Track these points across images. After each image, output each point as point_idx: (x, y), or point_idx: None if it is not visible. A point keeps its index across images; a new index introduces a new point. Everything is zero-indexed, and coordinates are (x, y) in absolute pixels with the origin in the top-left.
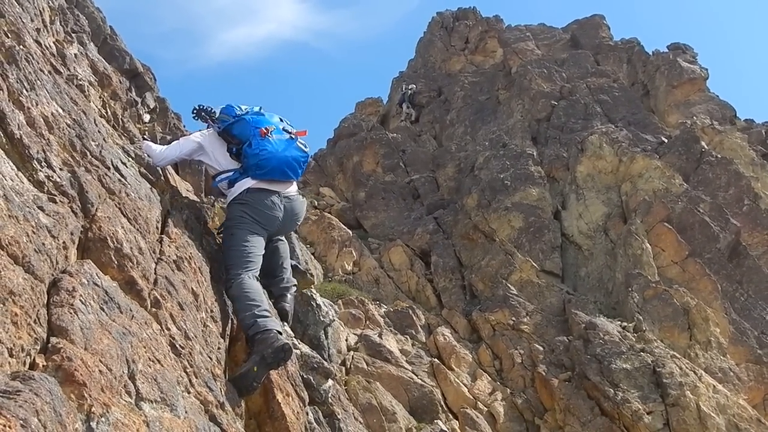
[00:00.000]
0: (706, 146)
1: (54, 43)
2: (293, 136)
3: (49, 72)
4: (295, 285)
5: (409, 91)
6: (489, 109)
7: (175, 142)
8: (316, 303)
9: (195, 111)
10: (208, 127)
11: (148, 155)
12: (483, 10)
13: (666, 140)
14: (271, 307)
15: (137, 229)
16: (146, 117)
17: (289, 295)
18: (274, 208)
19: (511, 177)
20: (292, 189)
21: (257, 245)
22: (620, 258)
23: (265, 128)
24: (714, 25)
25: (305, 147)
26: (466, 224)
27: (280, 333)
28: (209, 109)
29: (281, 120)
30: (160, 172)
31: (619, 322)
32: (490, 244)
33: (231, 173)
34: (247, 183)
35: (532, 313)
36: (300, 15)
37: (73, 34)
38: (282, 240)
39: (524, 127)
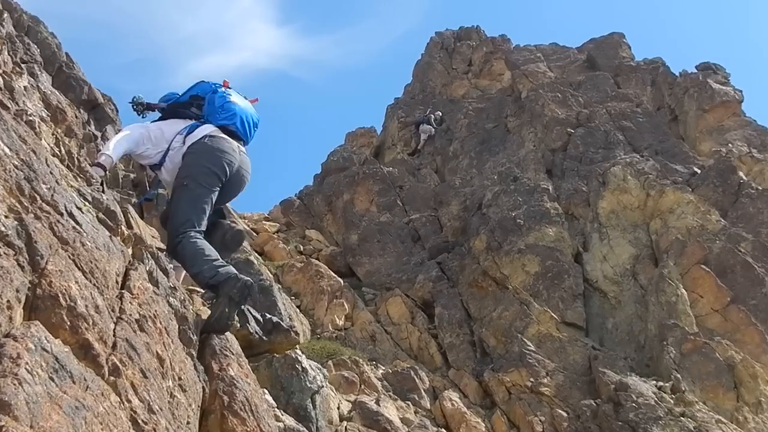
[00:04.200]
0: (744, 177)
1: (1, 75)
2: (246, 98)
3: None
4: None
5: (434, 116)
6: (497, 138)
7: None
8: (302, 366)
9: (134, 105)
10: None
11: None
12: (487, 29)
13: (699, 171)
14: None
15: (94, 284)
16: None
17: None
18: (233, 153)
19: (524, 215)
20: (244, 149)
21: (209, 202)
22: (652, 306)
23: (226, 81)
24: (747, 43)
25: (256, 113)
26: (474, 270)
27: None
28: (145, 102)
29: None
30: (121, 217)
31: (654, 382)
32: (503, 292)
33: (189, 126)
34: (209, 128)
35: (553, 373)
36: (276, 42)
37: (22, 65)
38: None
39: (537, 159)
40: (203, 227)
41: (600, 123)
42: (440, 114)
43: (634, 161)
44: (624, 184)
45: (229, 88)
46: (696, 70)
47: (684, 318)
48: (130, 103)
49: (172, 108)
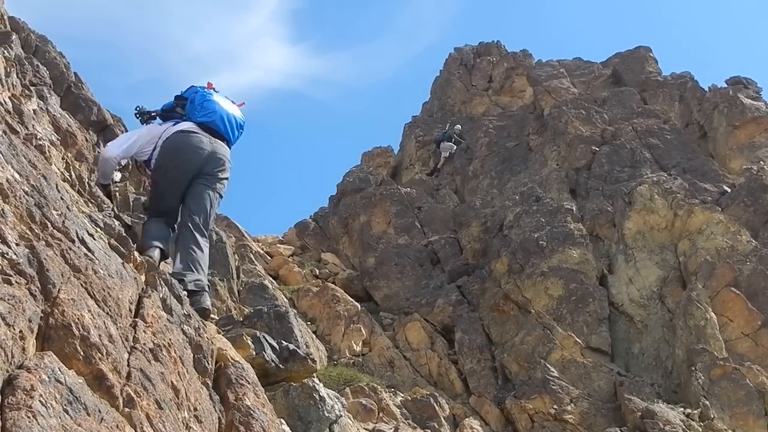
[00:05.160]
0: None
1: (10, 98)
2: (234, 103)
3: (4, 132)
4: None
5: (456, 131)
6: (518, 157)
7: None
8: (320, 395)
9: (137, 114)
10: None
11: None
12: (508, 44)
13: (729, 190)
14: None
15: (107, 313)
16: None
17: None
18: (200, 145)
19: (547, 236)
20: (223, 144)
21: (174, 193)
22: (680, 331)
23: (210, 83)
24: None
25: (242, 115)
26: (495, 294)
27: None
28: (147, 111)
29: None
30: (133, 242)
31: (682, 409)
32: (525, 316)
33: (173, 122)
34: (186, 125)
35: (577, 400)
36: (290, 60)
37: (31, 87)
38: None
39: (561, 178)
40: (168, 208)
41: (626, 140)
42: (459, 127)
43: (661, 180)
44: (651, 203)
45: (214, 90)
46: (726, 85)
47: (713, 342)
48: (135, 113)
49: (165, 113)
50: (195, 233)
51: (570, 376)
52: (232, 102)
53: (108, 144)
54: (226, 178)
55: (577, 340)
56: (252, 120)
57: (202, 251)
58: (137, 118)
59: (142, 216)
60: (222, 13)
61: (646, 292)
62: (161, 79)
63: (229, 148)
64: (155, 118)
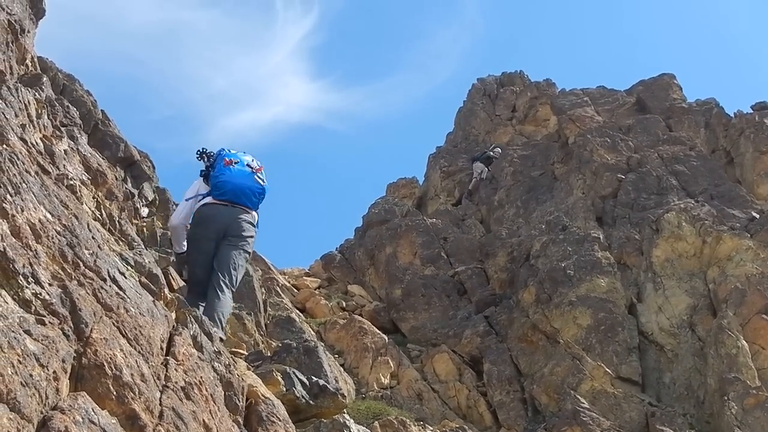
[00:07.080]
0: None
1: (41, 139)
2: (253, 171)
3: (36, 173)
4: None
5: (495, 153)
6: (544, 186)
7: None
8: (351, 431)
9: (198, 153)
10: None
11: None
12: (531, 73)
13: (757, 216)
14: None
15: (139, 352)
16: (144, 211)
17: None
18: (222, 215)
19: (575, 265)
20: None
21: (202, 259)
22: (711, 359)
23: (230, 159)
24: None
25: (263, 181)
26: (523, 324)
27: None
28: (210, 152)
29: (253, 160)
30: (164, 280)
31: None
32: (554, 346)
33: (203, 194)
34: (207, 200)
35: (608, 431)
36: (310, 96)
37: (62, 128)
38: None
39: (587, 206)
40: (199, 278)
41: (652, 168)
42: (500, 150)
43: (688, 207)
44: (678, 231)
45: (232, 164)
46: (752, 110)
47: (745, 371)
48: (197, 156)
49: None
50: (218, 291)
51: (600, 407)
52: (252, 170)
53: (172, 217)
54: (251, 236)
55: (607, 370)
56: (275, 154)
57: (223, 304)
58: (199, 159)
59: (169, 251)
60: (244, 53)
61: (676, 320)
62: (185, 116)
63: (255, 211)
64: (214, 163)
